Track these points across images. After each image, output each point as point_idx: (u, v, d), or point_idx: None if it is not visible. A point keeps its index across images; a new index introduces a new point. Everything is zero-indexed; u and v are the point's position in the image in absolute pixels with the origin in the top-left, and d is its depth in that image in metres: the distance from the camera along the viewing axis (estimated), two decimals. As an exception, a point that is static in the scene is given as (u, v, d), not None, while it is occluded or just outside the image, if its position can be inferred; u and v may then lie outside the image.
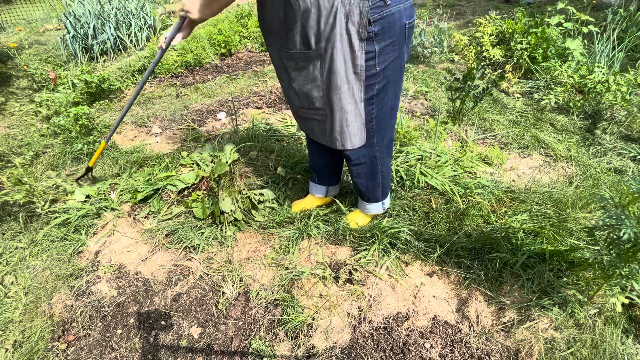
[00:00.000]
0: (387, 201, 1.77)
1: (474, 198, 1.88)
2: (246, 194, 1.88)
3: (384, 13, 1.18)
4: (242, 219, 1.84)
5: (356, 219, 1.80)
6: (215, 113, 2.95)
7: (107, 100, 3.22)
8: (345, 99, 1.31)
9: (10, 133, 2.79)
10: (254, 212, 1.87)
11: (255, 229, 1.85)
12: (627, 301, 1.30)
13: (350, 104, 1.33)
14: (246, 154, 2.22)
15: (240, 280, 1.63)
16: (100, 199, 2.03)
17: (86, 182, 2.18)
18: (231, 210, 1.81)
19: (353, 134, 1.40)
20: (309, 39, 1.20)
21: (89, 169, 2.10)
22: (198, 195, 1.87)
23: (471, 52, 3.38)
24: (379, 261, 1.64)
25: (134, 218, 1.96)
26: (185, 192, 2.00)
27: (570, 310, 1.39)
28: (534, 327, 1.37)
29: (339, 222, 1.79)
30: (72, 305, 1.58)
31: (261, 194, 1.93)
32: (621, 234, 1.12)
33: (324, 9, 1.14)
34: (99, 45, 3.94)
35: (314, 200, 1.91)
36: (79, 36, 3.90)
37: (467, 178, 2.05)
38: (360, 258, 1.66)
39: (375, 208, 1.75)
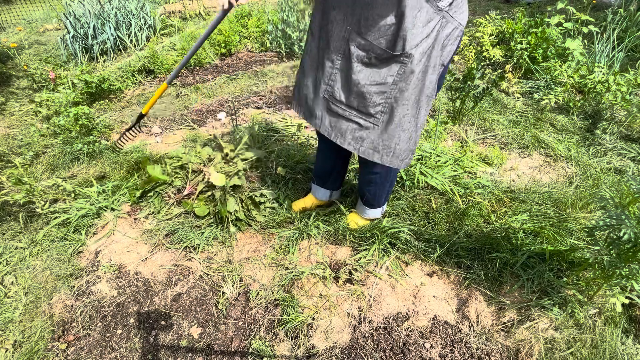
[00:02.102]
0: (386, 206, 1.77)
1: (474, 198, 1.88)
2: (248, 194, 1.88)
3: (459, 41, 1.16)
4: (243, 219, 1.84)
5: (356, 219, 1.80)
6: (215, 113, 2.95)
7: (107, 100, 3.22)
8: (407, 117, 1.21)
9: (10, 133, 2.79)
10: (254, 212, 1.88)
11: (255, 229, 1.85)
12: (627, 301, 1.30)
13: (411, 124, 1.23)
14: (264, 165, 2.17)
15: (240, 280, 1.63)
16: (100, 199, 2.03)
17: (138, 130, 2.20)
18: (234, 210, 1.81)
19: (398, 154, 1.29)
20: (400, 40, 1.08)
21: (142, 116, 2.09)
22: (204, 197, 1.87)
23: (471, 52, 3.38)
24: (379, 261, 1.64)
25: (135, 218, 1.96)
26: (186, 192, 2.00)
27: (570, 310, 1.39)
28: (534, 327, 1.37)
29: (339, 222, 1.79)
30: (72, 305, 1.58)
31: (262, 194, 1.93)
32: (621, 234, 1.12)
33: (426, 18, 1.06)
34: (99, 45, 3.94)
35: (315, 201, 1.91)
36: (79, 36, 3.90)
37: (467, 178, 2.05)
38: (360, 258, 1.66)
39: (375, 213, 1.75)
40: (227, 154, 2.02)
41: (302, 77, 1.44)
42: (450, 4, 1.09)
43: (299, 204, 1.91)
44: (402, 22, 1.06)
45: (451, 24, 1.11)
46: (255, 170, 2.07)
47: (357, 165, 2.02)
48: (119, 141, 2.32)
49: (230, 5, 1.35)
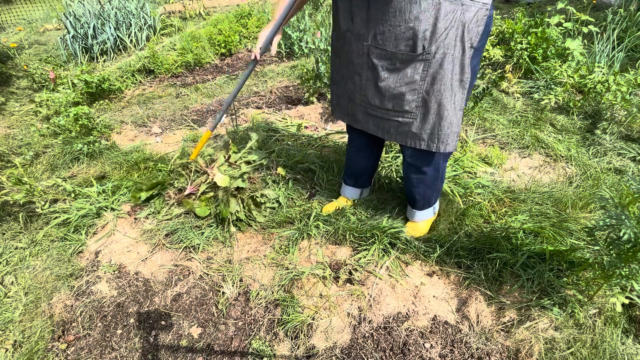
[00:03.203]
0: (437, 204, 1.74)
1: (474, 198, 1.88)
2: (249, 194, 1.88)
3: (488, 20, 1.16)
4: (244, 219, 1.84)
5: (413, 226, 1.75)
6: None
7: (107, 100, 3.22)
8: (445, 105, 1.25)
9: (10, 133, 2.79)
10: (255, 212, 1.87)
11: (255, 229, 1.85)
12: (627, 301, 1.30)
13: (450, 111, 1.27)
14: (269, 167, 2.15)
15: (240, 280, 1.63)
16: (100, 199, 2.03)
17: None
18: (236, 211, 1.81)
19: (443, 139, 1.33)
20: (418, 41, 1.13)
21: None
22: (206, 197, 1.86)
23: (471, 52, 3.38)
24: (379, 261, 1.64)
25: (135, 218, 1.96)
26: (187, 192, 2.00)
27: (570, 310, 1.39)
28: (534, 327, 1.37)
29: (339, 222, 1.79)
30: (72, 305, 1.58)
31: (262, 195, 1.93)
32: (621, 234, 1.12)
33: (443, 13, 1.08)
34: (99, 45, 3.94)
35: (346, 200, 1.89)
36: (79, 36, 3.90)
37: (467, 178, 2.05)
38: (360, 258, 1.66)
39: (427, 214, 1.72)
40: (230, 156, 2.02)
41: (335, 89, 1.54)
42: None
43: (331, 207, 1.87)
44: (419, 25, 1.10)
45: (474, 7, 1.11)
46: (257, 171, 2.07)
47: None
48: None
49: (255, 57, 1.48)
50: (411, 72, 1.21)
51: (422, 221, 1.75)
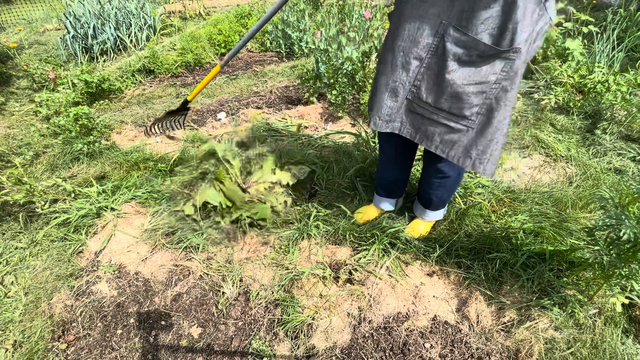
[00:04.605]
0: (447, 205, 1.72)
1: (474, 198, 1.88)
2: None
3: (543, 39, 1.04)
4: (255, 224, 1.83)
5: (417, 225, 1.73)
6: (215, 113, 2.95)
7: (107, 100, 3.22)
8: (505, 118, 1.08)
9: (10, 133, 2.79)
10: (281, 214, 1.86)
11: (256, 230, 1.85)
12: (627, 301, 1.30)
13: (505, 126, 1.10)
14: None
15: (240, 280, 1.63)
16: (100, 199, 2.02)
17: (183, 121, 1.90)
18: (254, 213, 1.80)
19: (494, 160, 1.15)
20: (508, 33, 0.95)
21: (186, 103, 1.82)
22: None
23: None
24: (379, 261, 1.64)
25: (135, 217, 1.96)
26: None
27: (570, 310, 1.39)
28: (534, 327, 1.37)
29: (338, 222, 1.78)
30: (72, 305, 1.58)
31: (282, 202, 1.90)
32: (621, 234, 1.12)
33: (535, 5, 0.93)
34: (99, 45, 3.94)
35: (380, 211, 1.83)
36: (79, 36, 3.90)
37: (467, 178, 2.05)
38: (360, 258, 1.66)
39: (439, 214, 1.70)
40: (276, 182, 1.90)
41: (377, 85, 1.28)
42: None
43: (364, 218, 1.80)
44: (513, 11, 0.92)
45: (545, 17, 0.98)
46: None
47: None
48: (154, 128, 2.00)
49: None
50: (487, 70, 1.01)
51: (431, 220, 1.73)
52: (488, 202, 1.85)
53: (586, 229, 1.30)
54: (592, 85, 2.55)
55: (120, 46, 4.12)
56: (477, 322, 1.43)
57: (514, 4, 0.91)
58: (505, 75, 1.02)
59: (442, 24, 1.01)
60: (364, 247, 1.70)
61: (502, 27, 0.95)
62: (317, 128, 2.65)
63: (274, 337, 1.43)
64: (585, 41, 3.27)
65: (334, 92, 2.66)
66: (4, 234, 1.91)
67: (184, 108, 1.83)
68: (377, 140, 2.14)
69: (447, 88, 1.07)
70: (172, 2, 5.41)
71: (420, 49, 1.08)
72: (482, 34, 0.97)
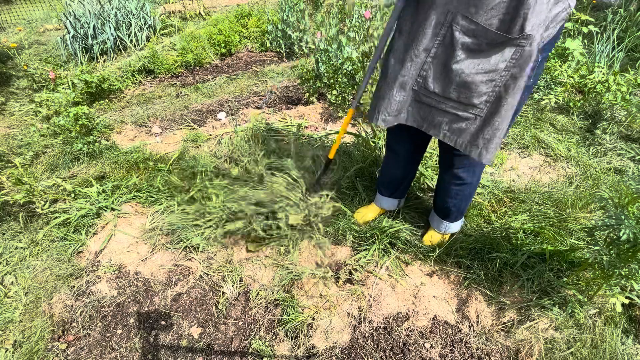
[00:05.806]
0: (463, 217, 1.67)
1: (474, 198, 1.88)
2: None
3: (560, 30, 1.02)
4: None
5: (432, 236, 1.70)
6: (215, 113, 2.95)
7: (107, 100, 3.22)
8: (512, 105, 1.06)
9: (10, 133, 2.79)
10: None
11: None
12: (627, 301, 1.30)
13: (510, 114, 1.08)
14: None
15: (240, 280, 1.63)
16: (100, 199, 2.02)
17: (325, 180, 1.82)
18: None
19: (494, 147, 1.14)
20: (519, 19, 0.91)
21: (329, 162, 1.71)
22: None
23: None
24: (379, 261, 1.64)
25: (135, 217, 1.96)
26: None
27: (570, 310, 1.39)
28: (534, 327, 1.37)
29: (338, 222, 1.78)
30: (72, 305, 1.58)
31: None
32: (621, 234, 1.12)
33: None
34: (99, 45, 3.94)
35: (380, 211, 1.82)
36: (79, 36, 3.90)
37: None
38: (360, 258, 1.66)
39: (458, 225, 1.65)
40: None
41: (383, 83, 1.26)
42: None
43: (365, 218, 1.80)
44: (527, 2, 0.89)
45: (562, 2, 0.94)
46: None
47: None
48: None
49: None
50: (497, 58, 0.99)
51: (449, 233, 1.67)
52: (488, 202, 1.85)
53: (586, 229, 1.31)
54: (592, 85, 2.55)
55: (120, 46, 4.12)
56: (477, 322, 1.43)
57: (523, 3, 0.88)
58: (515, 63, 0.99)
59: (450, 12, 0.99)
60: (364, 247, 1.70)
61: (513, 13, 0.91)
62: (317, 128, 2.65)
63: (274, 337, 1.43)
64: (585, 41, 3.27)
65: (334, 92, 2.67)
66: (4, 234, 1.91)
67: (328, 166, 1.75)
68: (377, 141, 2.14)
69: (455, 77, 1.06)
70: (172, 2, 5.41)
71: (428, 40, 1.06)
72: (492, 19, 0.94)
